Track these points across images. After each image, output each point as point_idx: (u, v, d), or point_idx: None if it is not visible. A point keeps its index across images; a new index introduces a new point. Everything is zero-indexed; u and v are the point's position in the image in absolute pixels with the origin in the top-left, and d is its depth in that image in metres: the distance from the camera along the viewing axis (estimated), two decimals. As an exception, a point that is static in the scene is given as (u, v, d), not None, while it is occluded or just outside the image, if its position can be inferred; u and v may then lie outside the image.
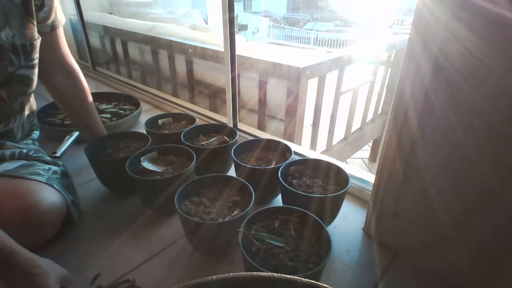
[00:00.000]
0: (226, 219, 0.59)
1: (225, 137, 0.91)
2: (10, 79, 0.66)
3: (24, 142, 0.80)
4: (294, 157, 0.78)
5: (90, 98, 0.88)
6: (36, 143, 0.86)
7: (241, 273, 0.33)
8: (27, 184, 0.62)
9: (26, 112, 0.79)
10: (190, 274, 0.62)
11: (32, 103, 0.83)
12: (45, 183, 0.64)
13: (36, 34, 0.68)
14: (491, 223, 0.52)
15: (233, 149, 0.80)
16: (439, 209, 0.57)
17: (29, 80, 0.70)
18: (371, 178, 0.82)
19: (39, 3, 0.68)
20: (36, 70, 0.71)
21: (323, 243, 0.54)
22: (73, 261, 0.64)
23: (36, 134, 0.88)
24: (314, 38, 9.86)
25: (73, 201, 0.71)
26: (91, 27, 2.13)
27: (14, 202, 0.58)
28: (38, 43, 0.69)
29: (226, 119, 1.15)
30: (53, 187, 0.65)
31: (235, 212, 0.61)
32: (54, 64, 0.80)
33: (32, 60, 0.68)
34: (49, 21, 0.73)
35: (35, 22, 0.67)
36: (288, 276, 0.32)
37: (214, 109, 1.67)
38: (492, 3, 0.42)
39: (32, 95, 0.82)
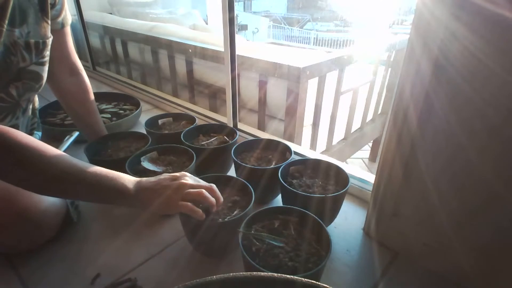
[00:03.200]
0: (226, 219, 0.59)
1: (225, 137, 0.91)
2: (21, 75, 0.67)
3: None
4: (294, 157, 0.78)
5: (93, 97, 0.88)
6: None
7: (241, 273, 0.33)
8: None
9: (29, 111, 0.79)
10: (190, 274, 0.62)
11: (35, 101, 0.83)
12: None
13: (49, 33, 0.70)
14: (492, 224, 0.52)
15: (233, 149, 0.80)
16: (439, 209, 0.57)
17: (38, 76, 0.71)
18: (371, 178, 0.82)
19: (52, 1, 0.70)
20: (46, 67, 0.72)
21: (323, 243, 0.54)
22: (73, 261, 0.64)
23: (38, 134, 0.88)
24: (314, 38, 9.85)
25: (72, 201, 0.71)
26: (91, 27, 2.13)
27: (13, 202, 0.58)
28: (50, 41, 0.71)
29: (226, 119, 1.15)
30: None
31: (235, 212, 0.61)
32: (61, 61, 0.81)
33: (43, 57, 0.70)
34: (60, 19, 0.75)
35: (49, 22, 0.69)
36: (288, 276, 0.32)
37: (214, 109, 1.67)
38: (492, 3, 0.42)
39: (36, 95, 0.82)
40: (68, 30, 0.80)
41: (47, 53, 0.71)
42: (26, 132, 0.81)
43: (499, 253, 0.53)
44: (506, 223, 0.51)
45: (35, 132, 0.87)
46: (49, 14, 0.69)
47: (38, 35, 0.67)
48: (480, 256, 0.55)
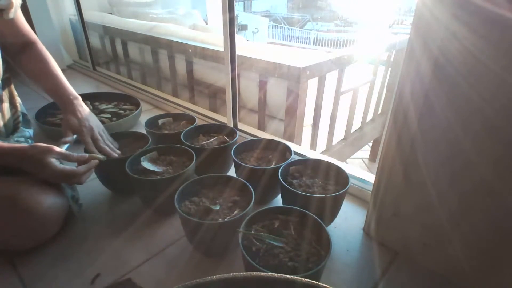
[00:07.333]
0: (226, 219, 0.59)
1: (225, 137, 0.91)
2: None
3: (15, 139, 0.79)
4: (294, 157, 0.78)
5: (52, 64, 0.85)
6: (30, 141, 0.85)
7: (241, 273, 0.33)
8: (28, 184, 0.62)
9: (7, 104, 0.79)
10: (190, 274, 0.62)
11: (12, 95, 0.82)
12: (44, 180, 0.64)
13: None
14: (490, 222, 0.52)
15: (233, 149, 0.80)
16: (439, 209, 0.57)
17: None
18: (371, 178, 0.82)
19: None
20: None
21: (323, 243, 0.54)
22: (73, 261, 0.64)
23: (28, 132, 0.87)
24: (314, 38, 9.86)
25: (73, 196, 0.71)
26: (91, 27, 2.13)
27: (18, 200, 0.58)
28: None
29: (226, 119, 1.15)
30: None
31: (235, 212, 0.61)
32: (12, 39, 0.80)
33: None
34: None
35: None
36: (288, 276, 0.32)
37: (214, 109, 1.67)
38: (492, 3, 0.42)
39: (12, 86, 0.81)
40: (13, 14, 0.75)
41: None
42: (11, 128, 0.80)
43: (498, 252, 0.53)
44: (503, 220, 0.51)
45: (25, 129, 0.85)
46: None
47: None
48: (480, 256, 0.55)
